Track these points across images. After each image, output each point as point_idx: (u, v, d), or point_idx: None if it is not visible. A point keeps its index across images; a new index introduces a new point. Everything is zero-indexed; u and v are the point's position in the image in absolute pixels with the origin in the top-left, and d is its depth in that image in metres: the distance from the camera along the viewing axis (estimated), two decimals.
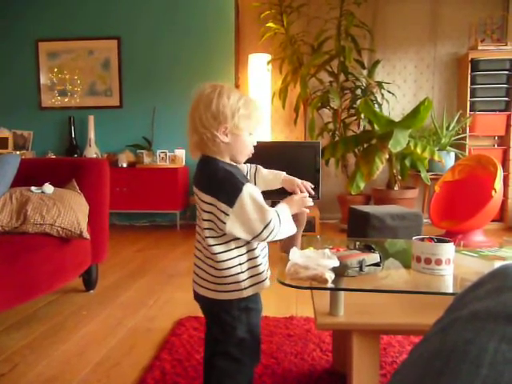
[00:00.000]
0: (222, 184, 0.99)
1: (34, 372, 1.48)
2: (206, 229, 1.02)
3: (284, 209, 1.03)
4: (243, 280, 1.02)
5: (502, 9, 4.20)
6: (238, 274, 1.01)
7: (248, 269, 1.03)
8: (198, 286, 1.08)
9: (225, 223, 0.97)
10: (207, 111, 1.01)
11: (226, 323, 1.05)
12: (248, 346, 1.07)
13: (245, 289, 1.02)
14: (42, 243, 1.81)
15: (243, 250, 1.03)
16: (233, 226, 0.97)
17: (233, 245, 1.02)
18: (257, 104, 1.08)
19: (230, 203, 0.96)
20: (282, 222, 1.00)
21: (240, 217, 0.96)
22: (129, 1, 4.44)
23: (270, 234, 0.98)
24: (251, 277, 1.03)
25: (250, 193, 0.97)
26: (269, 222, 0.97)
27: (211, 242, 1.01)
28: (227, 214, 0.97)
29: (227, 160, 1.06)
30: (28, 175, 2.14)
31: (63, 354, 1.61)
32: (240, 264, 1.02)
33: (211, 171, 1.03)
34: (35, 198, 1.87)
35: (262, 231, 0.97)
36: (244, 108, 1.03)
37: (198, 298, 1.10)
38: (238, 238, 1.01)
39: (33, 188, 1.94)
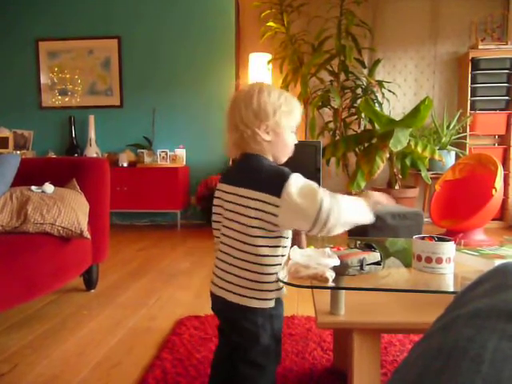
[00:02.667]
0: (268, 177, 0.96)
1: (35, 372, 1.48)
2: (255, 227, 0.96)
3: (349, 197, 0.98)
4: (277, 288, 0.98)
5: (502, 7, 4.19)
6: (276, 280, 0.98)
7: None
8: (224, 291, 1.01)
9: (276, 215, 0.93)
10: (248, 108, 0.99)
11: (250, 332, 1.00)
12: (272, 351, 1.03)
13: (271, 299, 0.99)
14: (43, 243, 1.81)
15: (286, 251, 0.99)
16: (286, 217, 0.93)
17: (280, 247, 0.98)
18: (296, 101, 1.05)
19: (278, 193, 0.92)
20: (343, 202, 0.94)
21: (291, 205, 0.91)
22: (129, 0, 4.44)
23: (330, 215, 0.91)
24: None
25: (297, 179, 0.94)
26: (321, 202, 0.91)
27: (260, 242, 0.96)
28: (277, 206, 0.92)
29: (270, 159, 1.03)
30: (28, 175, 2.14)
31: (64, 354, 1.61)
32: (278, 268, 0.98)
33: (255, 167, 0.99)
34: (35, 198, 1.87)
35: (319, 213, 0.91)
36: (285, 105, 1.00)
37: (219, 304, 1.05)
38: (285, 238, 0.97)
39: (33, 187, 1.94)
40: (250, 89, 1.02)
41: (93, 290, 2.32)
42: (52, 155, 4.36)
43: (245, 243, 0.97)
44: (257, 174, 0.98)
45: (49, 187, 1.97)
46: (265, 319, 1.00)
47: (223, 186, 1.04)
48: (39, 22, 4.50)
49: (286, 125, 1.01)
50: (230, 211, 1.00)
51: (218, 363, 1.12)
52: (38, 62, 4.55)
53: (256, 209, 0.95)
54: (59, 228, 1.85)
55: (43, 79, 4.57)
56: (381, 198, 1.07)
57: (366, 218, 1.00)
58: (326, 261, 1.03)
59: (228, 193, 1.01)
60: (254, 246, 0.96)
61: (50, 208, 1.85)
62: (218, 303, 1.05)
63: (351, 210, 0.96)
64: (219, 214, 1.05)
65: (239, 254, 0.98)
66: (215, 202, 1.08)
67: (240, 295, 0.98)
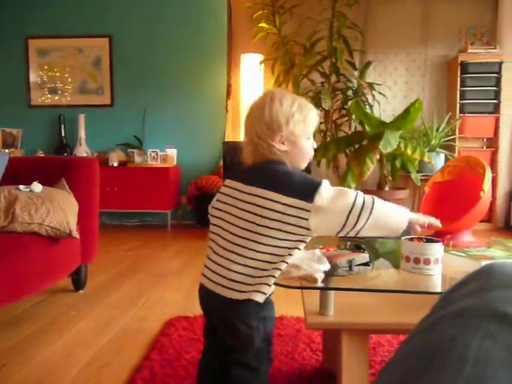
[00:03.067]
0: (298, 183, 0.95)
1: (22, 372, 1.47)
2: (274, 229, 0.94)
3: (389, 203, 0.98)
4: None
5: (491, 12, 4.24)
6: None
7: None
8: (220, 287, 0.99)
9: (307, 219, 0.92)
10: (260, 120, 0.98)
11: (245, 335, 0.99)
12: (265, 353, 1.03)
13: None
14: (31, 243, 1.80)
15: (297, 252, 0.98)
16: (317, 221, 0.92)
17: (296, 249, 0.97)
18: (311, 106, 1.04)
19: (310, 199, 0.92)
20: (378, 203, 0.94)
21: (323, 209, 0.92)
22: None
23: (361, 215, 0.92)
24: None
25: (328, 185, 0.94)
26: (353, 202, 0.93)
27: (277, 243, 0.95)
28: (308, 211, 0.92)
29: (289, 166, 1.02)
30: (17, 173, 2.12)
31: (52, 355, 1.60)
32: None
33: (281, 172, 0.98)
34: (24, 197, 1.86)
35: (350, 213, 0.92)
36: (298, 112, 0.99)
37: (211, 299, 1.02)
38: (305, 243, 0.97)
39: (21, 186, 1.92)
40: (262, 99, 1.01)
41: (81, 291, 2.30)
42: (41, 154, 4.31)
43: (258, 243, 0.95)
44: (284, 179, 0.96)
45: (37, 186, 1.95)
46: (259, 322, 0.99)
47: (236, 183, 1.02)
48: (29, 19, 4.46)
49: (300, 133, 1.00)
50: (241, 209, 0.98)
51: (207, 366, 1.11)
52: (28, 60, 4.51)
53: (279, 211, 0.93)
54: (47, 228, 1.83)
55: (32, 77, 4.53)
56: (427, 221, 1.06)
57: (398, 225, 0.99)
58: (317, 266, 1.04)
59: (241, 191, 1.00)
60: (269, 246, 0.95)
61: (38, 207, 1.83)
62: (210, 299, 1.03)
63: (385, 213, 0.96)
64: (221, 210, 1.04)
65: (246, 252, 0.96)
66: (219, 197, 1.06)
67: (239, 291, 0.97)
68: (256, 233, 0.96)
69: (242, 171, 1.05)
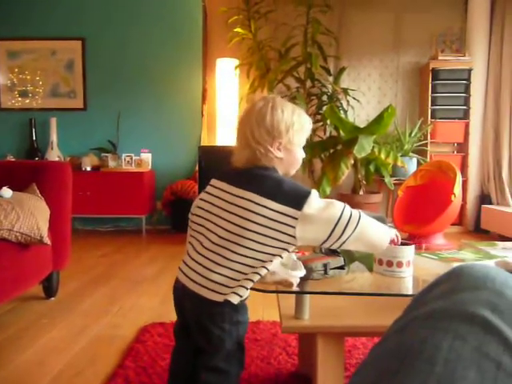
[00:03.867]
0: (289, 190, 0.96)
1: None
2: (259, 234, 0.95)
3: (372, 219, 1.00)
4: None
5: (461, 21, 4.37)
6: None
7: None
8: (199, 287, 0.98)
9: (293, 227, 0.93)
10: (260, 126, 0.99)
11: (215, 336, 0.99)
12: (235, 357, 1.03)
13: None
14: (0, 249, 1.74)
15: (279, 259, 0.98)
16: (304, 229, 0.93)
17: (279, 257, 0.97)
18: (307, 116, 1.06)
19: (299, 207, 0.93)
20: (364, 218, 0.96)
21: (310, 217, 0.93)
22: (94, 2, 4.36)
23: (347, 227, 0.94)
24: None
25: (317, 196, 0.95)
26: (341, 213, 0.94)
27: (263, 249, 0.95)
28: (295, 218, 0.93)
29: (280, 173, 1.03)
30: None
31: (23, 364, 1.55)
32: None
33: (272, 178, 0.99)
34: None
35: (337, 224, 0.93)
36: (298, 122, 1.02)
37: (190, 300, 1.01)
38: (288, 251, 0.98)
39: None
40: (263, 105, 1.01)
41: (53, 298, 2.24)
42: (11, 158, 4.20)
43: (242, 246, 0.95)
44: (274, 185, 0.97)
45: (7, 192, 1.90)
46: (232, 325, 0.99)
47: (225, 185, 1.02)
48: None
49: (297, 142, 1.03)
50: (227, 211, 0.98)
51: (179, 369, 1.10)
52: None
53: (266, 217, 0.94)
54: (17, 234, 1.78)
55: (2, 80, 4.42)
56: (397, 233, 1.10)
57: (381, 242, 1.02)
58: (292, 273, 1.04)
59: (230, 193, 1.00)
60: (253, 250, 0.95)
61: (7, 213, 1.78)
62: (186, 296, 1.01)
63: (369, 228, 0.98)
64: (206, 210, 1.03)
65: (230, 255, 0.96)
66: (205, 196, 1.05)
67: (218, 293, 0.96)
68: (241, 236, 0.96)
69: (231, 173, 1.05)
